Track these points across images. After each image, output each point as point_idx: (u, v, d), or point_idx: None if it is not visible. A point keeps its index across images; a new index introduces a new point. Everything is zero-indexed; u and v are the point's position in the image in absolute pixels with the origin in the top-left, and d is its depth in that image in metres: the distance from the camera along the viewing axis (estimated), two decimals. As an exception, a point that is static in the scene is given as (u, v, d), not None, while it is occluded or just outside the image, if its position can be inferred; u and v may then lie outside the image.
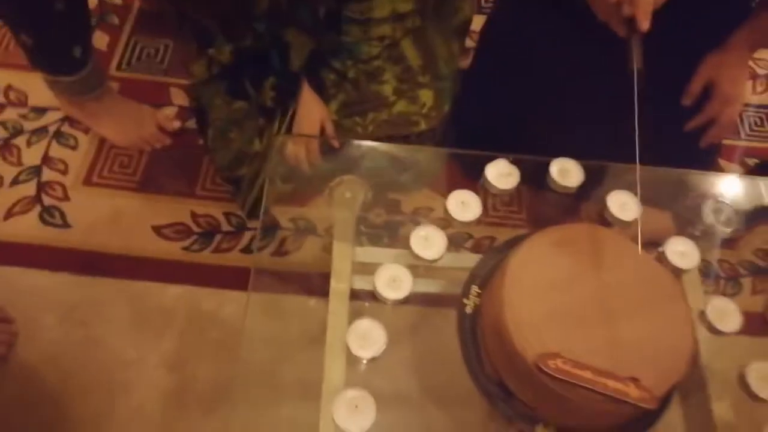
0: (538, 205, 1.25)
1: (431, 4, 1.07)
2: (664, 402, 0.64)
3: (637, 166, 0.67)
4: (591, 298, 0.62)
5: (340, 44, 1.05)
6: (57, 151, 1.26)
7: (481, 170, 0.80)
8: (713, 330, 0.72)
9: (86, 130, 1.28)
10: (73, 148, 1.27)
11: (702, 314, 0.73)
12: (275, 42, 1.00)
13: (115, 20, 1.45)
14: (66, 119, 1.29)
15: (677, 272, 0.76)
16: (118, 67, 1.39)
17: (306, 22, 0.97)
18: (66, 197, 1.21)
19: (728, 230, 0.86)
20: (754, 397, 0.69)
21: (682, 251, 0.75)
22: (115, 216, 1.20)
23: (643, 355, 0.59)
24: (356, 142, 0.94)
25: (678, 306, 0.62)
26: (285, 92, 1.04)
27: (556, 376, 0.56)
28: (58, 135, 1.28)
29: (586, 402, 0.57)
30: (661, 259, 0.75)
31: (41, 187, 1.22)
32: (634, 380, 0.56)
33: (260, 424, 0.92)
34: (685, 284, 0.83)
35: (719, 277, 1.26)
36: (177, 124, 1.30)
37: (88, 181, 1.23)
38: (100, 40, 1.40)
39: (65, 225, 1.18)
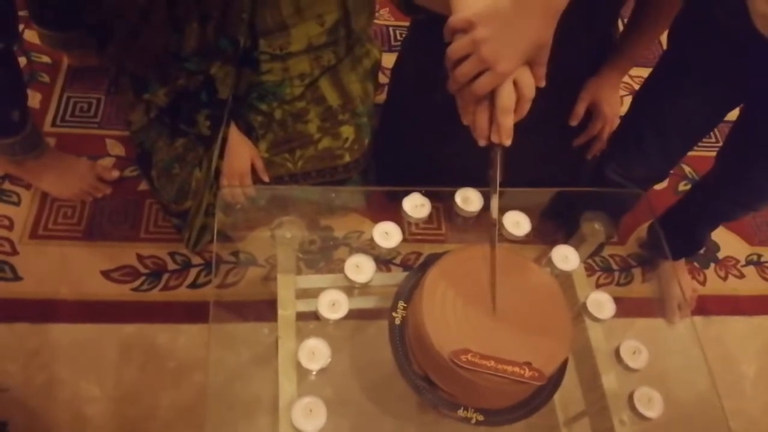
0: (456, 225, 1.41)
1: (343, 41, 1.20)
2: (557, 378, 0.80)
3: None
4: (490, 302, 0.77)
5: (265, 87, 1.17)
6: (0, 208, 1.32)
7: (399, 202, 0.94)
8: (593, 318, 0.89)
9: (27, 186, 1.35)
10: (16, 204, 1.33)
11: (584, 306, 0.90)
12: (205, 77, 1.08)
13: (46, 78, 1.52)
14: (6, 177, 1.35)
15: (564, 274, 0.93)
16: (53, 123, 1.46)
17: (228, 54, 1.06)
18: (14, 251, 1.27)
19: (605, 233, 1.04)
20: (627, 368, 0.86)
21: (565, 256, 0.92)
22: (64, 265, 1.27)
23: (533, 344, 0.74)
24: (290, 186, 1.05)
25: (558, 303, 0.79)
26: (217, 119, 1.12)
27: (467, 367, 0.70)
28: (0, 193, 1.34)
29: (493, 385, 0.72)
30: (549, 263, 0.92)
31: (-12, 243, 1.28)
32: (528, 364, 0.72)
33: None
34: (575, 281, 1.00)
35: (612, 269, 1.47)
36: (116, 173, 1.38)
37: (34, 234, 1.30)
38: (32, 98, 1.46)
39: (16, 278, 1.24)
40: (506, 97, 0.69)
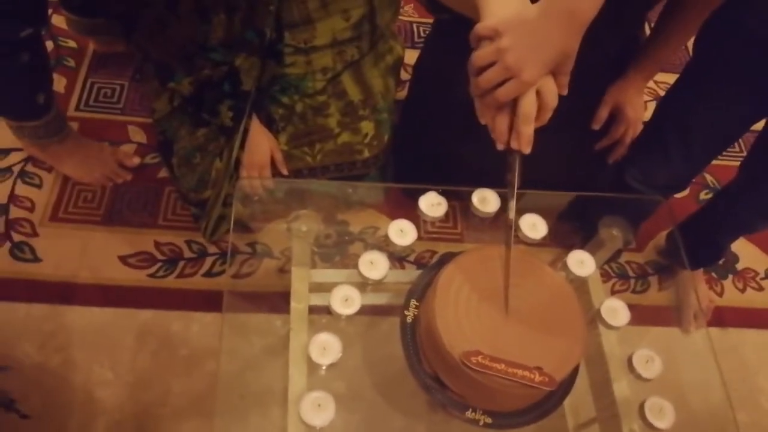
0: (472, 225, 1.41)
1: (367, 37, 1.20)
2: (568, 383, 0.80)
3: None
4: (503, 304, 0.76)
5: (288, 80, 1.18)
6: (22, 189, 1.34)
7: (416, 199, 0.94)
8: (607, 325, 0.88)
9: (50, 169, 1.36)
10: (38, 186, 1.35)
11: (598, 312, 0.89)
12: (229, 68, 1.09)
13: (72, 63, 1.54)
14: (29, 159, 1.37)
15: (579, 279, 0.92)
16: (77, 108, 1.47)
17: (254, 46, 1.07)
18: (34, 233, 1.29)
19: (623, 240, 1.03)
20: (639, 377, 0.85)
21: (581, 261, 0.91)
22: (83, 248, 1.29)
23: (545, 348, 0.74)
24: (308, 180, 1.05)
25: (572, 308, 0.78)
26: (240, 111, 1.13)
27: (478, 369, 0.70)
28: (23, 174, 1.36)
29: (502, 388, 0.71)
30: (565, 268, 0.91)
31: (9, 224, 1.29)
32: (538, 369, 0.71)
33: (232, 428, 1.04)
34: (590, 287, 1.00)
35: (629, 276, 1.45)
36: (136, 160, 1.40)
37: (54, 217, 1.32)
38: (57, 82, 1.48)
39: (36, 259, 1.26)
40: (528, 105, 0.69)
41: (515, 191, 0.74)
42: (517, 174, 0.73)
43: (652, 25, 1.19)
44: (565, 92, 0.72)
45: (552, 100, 0.70)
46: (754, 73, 0.97)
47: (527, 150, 0.71)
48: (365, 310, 0.88)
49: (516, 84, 0.68)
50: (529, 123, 0.70)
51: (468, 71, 0.72)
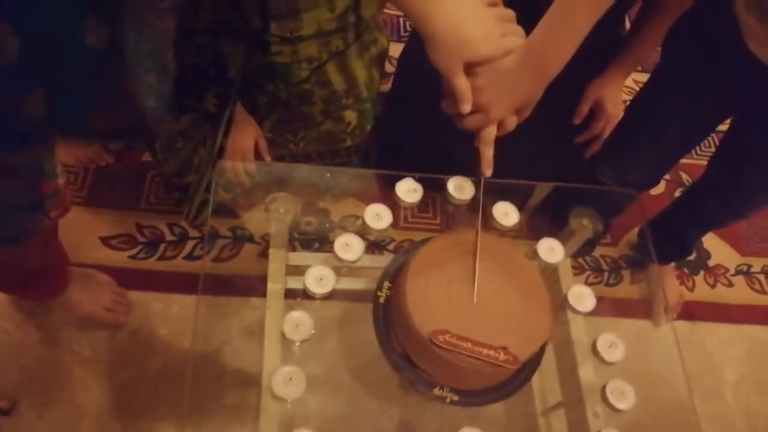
0: (447, 212, 1.44)
1: (352, 28, 1.22)
2: (533, 364, 0.83)
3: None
4: (472, 286, 0.79)
5: (273, 68, 1.19)
6: (6, 169, 1.34)
7: (393, 187, 0.96)
8: (573, 310, 0.91)
9: (33, 150, 1.37)
10: (22, 166, 1.36)
11: (565, 298, 0.92)
12: (214, 54, 1.10)
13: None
14: (13, 139, 1.38)
15: (550, 267, 0.95)
16: (62, 90, 1.48)
17: (240, 32, 1.08)
18: (17, 212, 1.30)
19: (592, 230, 1.06)
20: (602, 360, 0.88)
21: (551, 248, 0.94)
22: (64, 229, 1.28)
23: (511, 329, 0.77)
24: (289, 164, 1.07)
25: (539, 292, 0.81)
26: (225, 98, 1.15)
27: (445, 347, 0.73)
28: (6, 154, 1.36)
29: (469, 366, 0.74)
30: (536, 256, 0.94)
31: (-8, 203, 1.30)
32: (504, 348, 0.74)
33: (209, 407, 1.06)
34: (560, 274, 1.03)
35: (602, 270, 1.49)
36: (119, 143, 1.41)
37: (37, 197, 1.32)
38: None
39: (17, 238, 1.27)
40: (490, 134, 0.77)
41: (483, 178, 0.80)
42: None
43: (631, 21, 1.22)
44: (522, 120, 0.80)
45: (511, 127, 0.78)
46: (720, 77, 1.01)
47: (488, 172, 0.80)
48: (341, 296, 0.90)
49: (482, 119, 0.76)
50: (490, 147, 0.78)
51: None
